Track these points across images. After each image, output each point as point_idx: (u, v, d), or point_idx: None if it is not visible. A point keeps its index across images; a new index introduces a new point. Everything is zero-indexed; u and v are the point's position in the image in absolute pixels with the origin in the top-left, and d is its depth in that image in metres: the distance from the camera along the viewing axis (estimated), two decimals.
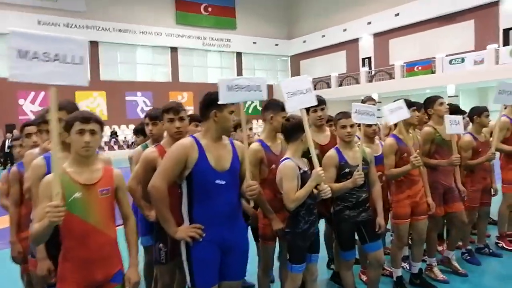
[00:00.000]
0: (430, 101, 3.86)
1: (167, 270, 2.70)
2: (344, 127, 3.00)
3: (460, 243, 4.36)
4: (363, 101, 4.12)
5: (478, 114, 4.25)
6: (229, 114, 2.32)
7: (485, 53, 19.66)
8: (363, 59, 27.51)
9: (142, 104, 26.15)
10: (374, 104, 3.67)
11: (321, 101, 3.23)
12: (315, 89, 28.97)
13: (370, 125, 3.30)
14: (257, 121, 23.80)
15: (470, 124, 4.53)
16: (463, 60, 20.59)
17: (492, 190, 4.59)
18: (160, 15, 26.90)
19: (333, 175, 2.97)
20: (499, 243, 4.64)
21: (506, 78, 18.55)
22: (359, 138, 3.19)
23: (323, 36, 29.41)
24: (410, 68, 22.95)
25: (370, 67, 26.73)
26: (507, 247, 4.57)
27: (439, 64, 21.43)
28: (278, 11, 31.87)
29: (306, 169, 2.70)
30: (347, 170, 2.98)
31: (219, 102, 2.24)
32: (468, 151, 4.14)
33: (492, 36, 20.63)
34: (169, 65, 27.71)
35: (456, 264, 3.98)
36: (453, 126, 3.49)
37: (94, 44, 24.50)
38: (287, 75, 33.49)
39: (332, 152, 3.04)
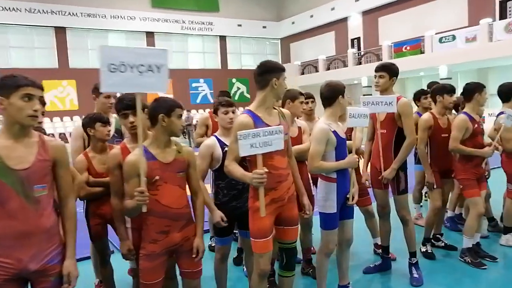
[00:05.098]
0: None
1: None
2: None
3: None
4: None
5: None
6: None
7: (478, 29, 17.39)
8: (352, 40, 25.41)
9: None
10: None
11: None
12: (303, 73, 27.47)
13: None
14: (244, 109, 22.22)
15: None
16: (454, 37, 18.36)
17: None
18: None
19: None
20: None
21: (500, 57, 16.41)
22: None
23: (311, 16, 27.39)
24: (398, 49, 20.83)
25: (359, 48, 24.64)
26: None
27: (428, 43, 19.25)
28: None
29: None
30: None
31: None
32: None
33: (488, 9, 18.29)
34: None
35: None
36: None
37: (61, 30, 23.34)
38: (277, 58, 31.60)
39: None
